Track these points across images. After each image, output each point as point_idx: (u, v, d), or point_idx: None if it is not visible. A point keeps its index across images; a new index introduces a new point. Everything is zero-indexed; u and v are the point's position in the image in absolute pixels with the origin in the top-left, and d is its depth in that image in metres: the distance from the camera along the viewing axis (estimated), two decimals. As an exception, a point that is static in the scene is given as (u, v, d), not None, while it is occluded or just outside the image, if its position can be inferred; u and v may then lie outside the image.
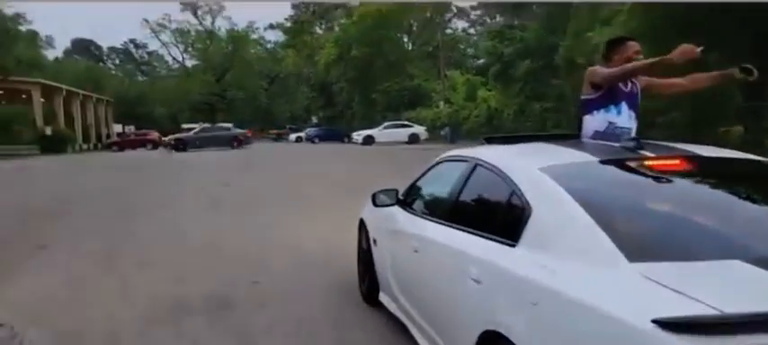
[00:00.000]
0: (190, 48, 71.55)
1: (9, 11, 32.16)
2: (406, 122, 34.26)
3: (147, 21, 67.54)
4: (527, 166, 2.48)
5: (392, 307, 3.71)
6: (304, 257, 5.53)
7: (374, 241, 4.17)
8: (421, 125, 33.83)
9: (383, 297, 3.95)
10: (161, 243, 6.57)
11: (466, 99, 33.43)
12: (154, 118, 61.14)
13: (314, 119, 69.42)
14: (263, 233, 6.85)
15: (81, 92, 43.84)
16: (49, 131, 36.47)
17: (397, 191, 3.83)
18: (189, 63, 72.98)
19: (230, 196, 10.18)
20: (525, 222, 2.11)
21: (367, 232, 4.35)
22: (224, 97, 66.93)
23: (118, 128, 53.62)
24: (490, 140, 3.40)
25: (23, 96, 38.14)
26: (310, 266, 5.20)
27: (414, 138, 31.92)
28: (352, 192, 7.90)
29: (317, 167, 17.98)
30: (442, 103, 37.01)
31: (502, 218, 2.44)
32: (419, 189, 3.75)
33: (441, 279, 2.83)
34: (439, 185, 3.37)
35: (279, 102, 73.08)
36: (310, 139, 47.97)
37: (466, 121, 32.17)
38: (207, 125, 39.71)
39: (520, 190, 2.25)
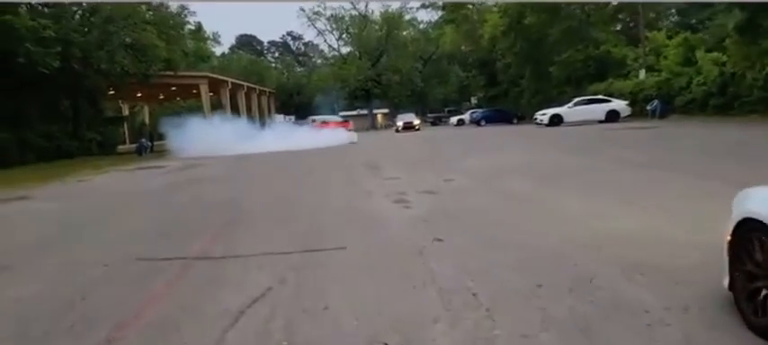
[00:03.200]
0: (344, 34, 70.74)
1: (174, 4, 31.80)
2: (601, 96, 28.67)
3: (303, 9, 67.48)
4: None
5: None
6: None
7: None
8: (617, 99, 28.12)
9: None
10: None
11: (682, 63, 26.89)
12: (312, 106, 60.98)
13: (473, 101, 65.41)
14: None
15: (245, 83, 44.21)
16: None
17: None
18: (344, 50, 72.43)
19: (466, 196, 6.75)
20: None
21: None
22: (379, 82, 65.31)
23: (279, 117, 53.76)
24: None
25: (194, 91, 38.53)
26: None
27: (612, 116, 26.45)
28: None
29: (508, 157, 14.01)
30: (642, 72, 30.78)
31: None
32: None
33: None
34: None
35: (432, 85, 70.79)
36: (476, 122, 43.95)
37: (683, 91, 25.88)
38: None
39: None
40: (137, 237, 6.51)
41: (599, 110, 26.89)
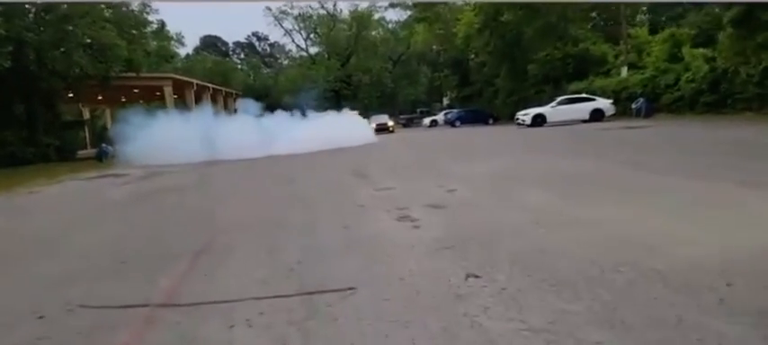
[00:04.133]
0: (313, 34, 69.66)
1: (135, 2, 30.09)
2: (585, 95, 27.95)
3: (269, 9, 66.10)
4: None
5: None
6: None
7: None
8: (600, 98, 27.46)
9: None
10: None
11: (669, 59, 26.29)
12: (281, 108, 59.50)
13: (445, 101, 64.83)
14: None
15: (210, 85, 42.95)
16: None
17: None
18: (312, 50, 71.22)
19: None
20: None
21: None
22: (349, 83, 64.38)
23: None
24: None
25: (157, 93, 36.95)
26: None
27: (597, 115, 25.77)
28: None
29: (503, 161, 13.03)
30: (624, 70, 30.23)
31: None
32: None
33: None
34: None
35: (402, 85, 70.35)
36: (450, 122, 43.17)
37: (670, 89, 25.25)
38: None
39: None
40: (86, 271, 5.23)
41: (583, 110, 26.19)
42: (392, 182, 10.08)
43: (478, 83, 49.64)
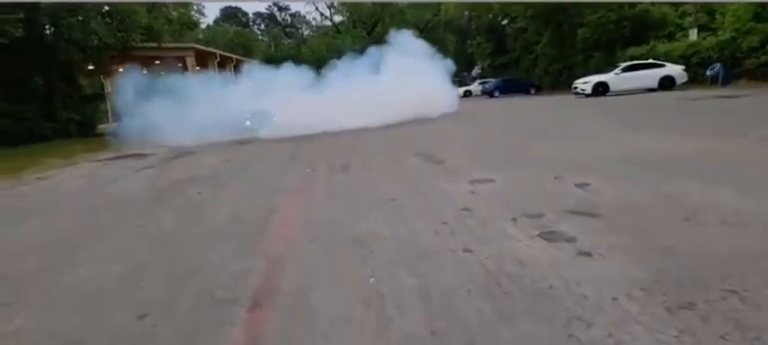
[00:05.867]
0: (336, 2, 66.97)
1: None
2: (653, 61, 25.19)
3: (291, -25, 63.64)
4: None
5: None
6: None
7: None
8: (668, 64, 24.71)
9: None
10: None
11: (753, 19, 23.29)
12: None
13: (475, 71, 62.04)
14: None
15: (233, 55, 40.98)
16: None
17: None
18: (336, 19, 68.72)
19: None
20: None
21: None
22: (376, 52, 61.70)
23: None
24: None
25: (179, 65, 35.07)
26: None
27: (666, 83, 23.12)
28: None
29: (605, 140, 10.74)
30: (693, 32, 27.29)
31: None
32: None
33: None
34: None
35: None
36: (488, 93, 40.59)
37: (755, 53, 22.38)
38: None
39: None
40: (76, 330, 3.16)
41: (651, 77, 23.54)
42: (483, 171, 7.87)
43: (516, 50, 46.76)
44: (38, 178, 11.58)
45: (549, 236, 4.53)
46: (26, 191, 9.79)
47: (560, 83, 38.20)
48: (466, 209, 5.72)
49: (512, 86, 39.61)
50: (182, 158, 13.32)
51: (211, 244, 5.12)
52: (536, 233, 4.65)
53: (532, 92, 38.22)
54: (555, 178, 6.89)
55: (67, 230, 6.33)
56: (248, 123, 17.33)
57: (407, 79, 19.29)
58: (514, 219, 5.11)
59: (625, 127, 12.69)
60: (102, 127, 31.85)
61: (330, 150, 12.60)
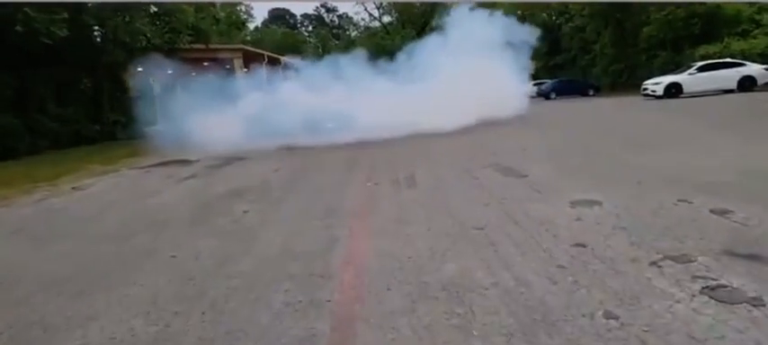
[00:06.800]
0: (385, 2, 65.99)
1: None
2: (731, 60, 23.16)
3: (340, -23, 63.02)
4: None
5: None
6: None
7: None
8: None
9: None
10: None
11: None
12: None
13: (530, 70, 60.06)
14: None
15: (282, 58, 40.44)
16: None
17: None
18: (384, 20, 67.83)
19: None
20: None
21: None
22: (427, 53, 60.42)
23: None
24: None
25: (227, 66, 34.63)
26: None
27: (747, 83, 21.13)
28: None
29: (717, 150, 9.18)
30: (774, 29, 25.14)
31: None
32: None
33: None
34: None
35: (478, 54, 65.64)
36: (544, 95, 38.65)
37: None
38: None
39: None
40: None
41: (729, 77, 21.57)
42: (581, 189, 6.50)
43: (572, 50, 44.67)
44: (73, 187, 10.74)
45: (720, 294, 3.19)
46: (57, 205, 8.88)
47: (620, 83, 36.11)
48: (580, 245, 4.40)
49: (569, 87, 37.67)
50: (228, 166, 12.31)
51: (257, 292, 3.93)
52: (697, 288, 3.31)
53: (591, 93, 36.23)
54: (678, 201, 5.49)
55: (86, 265, 5.25)
56: (330, 125, 16.07)
57: (476, 75, 16.74)
58: (657, 265, 3.77)
59: (724, 132, 11.05)
60: (148, 129, 31.54)
61: (390, 158, 11.31)
